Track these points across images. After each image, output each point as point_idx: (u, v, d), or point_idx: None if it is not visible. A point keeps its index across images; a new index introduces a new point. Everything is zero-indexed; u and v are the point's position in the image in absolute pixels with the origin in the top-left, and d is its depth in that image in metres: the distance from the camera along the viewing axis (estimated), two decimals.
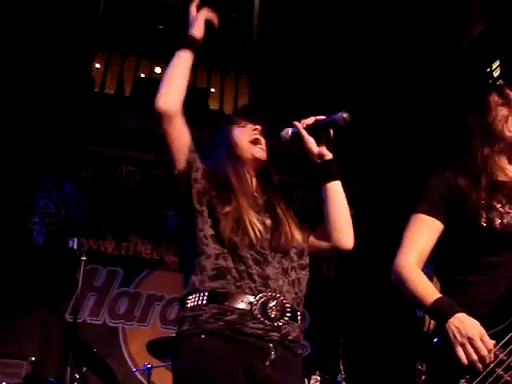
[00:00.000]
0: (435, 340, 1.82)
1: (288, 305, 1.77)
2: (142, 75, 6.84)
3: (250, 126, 2.13)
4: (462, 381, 1.69)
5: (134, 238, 5.88)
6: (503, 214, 1.86)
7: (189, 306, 1.77)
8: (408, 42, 5.80)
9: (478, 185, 1.92)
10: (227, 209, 1.84)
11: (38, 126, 5.79)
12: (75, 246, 3.99)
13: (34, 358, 4.64)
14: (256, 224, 1.84)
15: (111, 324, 5.75)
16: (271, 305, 1.73)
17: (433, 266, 2.04)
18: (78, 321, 4.21)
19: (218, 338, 1.69)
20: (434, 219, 1.93)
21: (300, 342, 1.80)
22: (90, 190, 5.94)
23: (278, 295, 1.76)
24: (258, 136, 2.10)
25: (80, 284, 4.09)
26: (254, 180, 2.08)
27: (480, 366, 1.67)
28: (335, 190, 1.94)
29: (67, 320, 5.39)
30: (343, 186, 1.97)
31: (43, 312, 5.32)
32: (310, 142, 1.93)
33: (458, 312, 1.74)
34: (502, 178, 1.96)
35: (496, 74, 5.09)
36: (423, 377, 1.81)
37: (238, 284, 1.74)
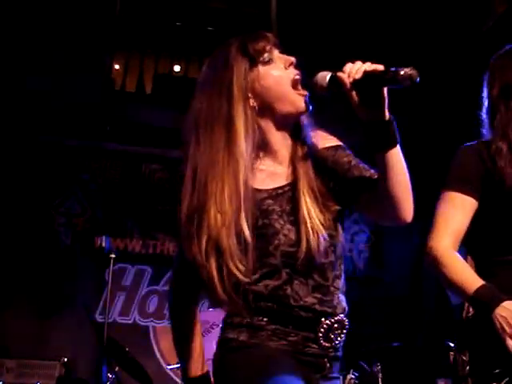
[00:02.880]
0: (478, 329, 1.73)
1: (346, 322, 1.59)
2: (162, 73, 6.81)
3: (280, 57, 1.58)
4: None
5: (161, 236, 5.86)
6: None
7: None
8: (429, 25, 5.67)
9: (506, 152, 1.77)
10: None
11: (60, 127, 5.80)
12: (104, 244, 3.96)
13: (66, 359, 4.65)
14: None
15: (141, 323, 5.75)
16: (334, 327, 1.56)
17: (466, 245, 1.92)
18: (109, 320, 4.21)
19: (280, 353, 1.53)
20: (468, 197, 1.80)
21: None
22: (115, 189, 5.93)
23: (340, 317, 1.58)
24: (298, 74, 1.55)
25: (109, 283, 4.08)
26: (289, 148, 1.60)
27: None
28: (392, 159, 1.43)
29: (97, 320, 5.41)
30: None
31: (74, 313, 5.34)
32: (355, 101, 1.39)
33: (503, 300, 1.63)
34: None
35: None
36: (467, 367, 1.72)
37: (302, 314, 1.54)
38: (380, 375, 3.98)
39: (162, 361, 5.53)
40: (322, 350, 1.57)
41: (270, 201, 1.55)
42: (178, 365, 4.17)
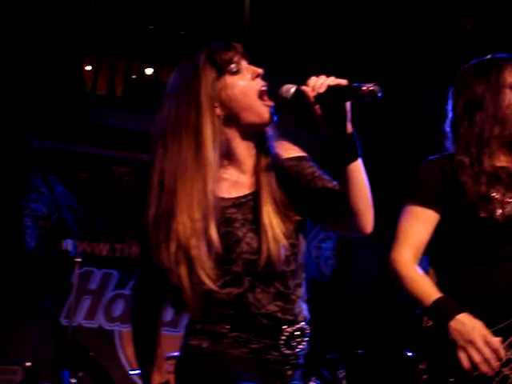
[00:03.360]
0: (436, 339, 1.76)
1: (308, 330, 1.62)
2: (134, 76, 6.78)
3: (247, 68, 1.60)
4: None
5: (128, 240, 5.82)
6: (504, 204, 1.75)
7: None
8: (411, 26, 5.70)
9: (480, 170, 1.79)
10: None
11: (28, 128, 5.73)
12: (69, 248, 3.95)
13: (28, 364, 4.57)
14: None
15: (107, 327, 5.69)
16: (295, 335, 1.59)
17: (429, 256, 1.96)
18: (73, 324, 4.17)
19: (242, 360, 1.55)
20: (429, 210, 1.83)
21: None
22: (83, 192, 5.87)
23: (301, 325, 1.61)
24: (264, 86, 1.58)
25: (75, 286, 4.05)
26: (253, 158, 1.62)
27: (486, 368, 1.61)
28: (353, 172, 1.45)
29: (62, 324, 5.35)
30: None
31: (38, 316, 5.26)
32: (318, 114, 1.41)
33: (459, 313, 1.67)
34: (502, 164, 1.84)
35: None
36: (424, 376, 1.76)
37: (264, 321, 1.57)
38: (344, 382, 4.01)
39: (126, 366, 5.49)
40: (284, 357, 1.59)
41: (233, 209, 1.58)
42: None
